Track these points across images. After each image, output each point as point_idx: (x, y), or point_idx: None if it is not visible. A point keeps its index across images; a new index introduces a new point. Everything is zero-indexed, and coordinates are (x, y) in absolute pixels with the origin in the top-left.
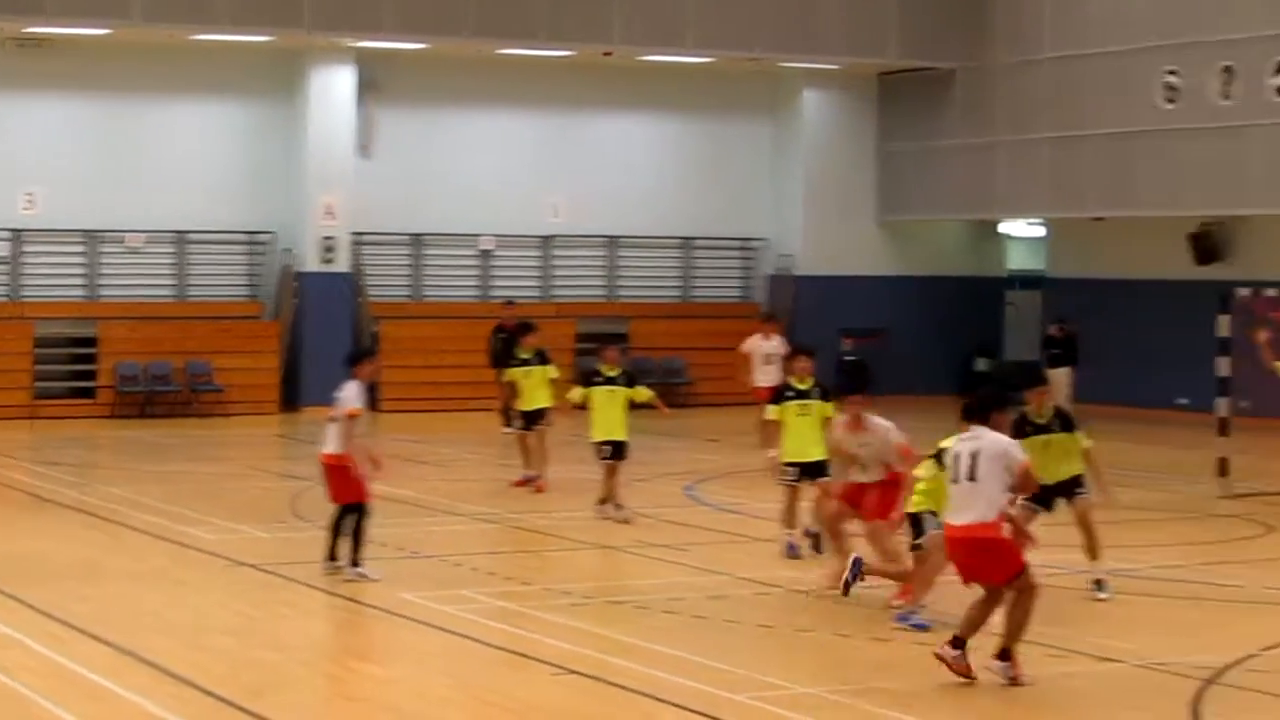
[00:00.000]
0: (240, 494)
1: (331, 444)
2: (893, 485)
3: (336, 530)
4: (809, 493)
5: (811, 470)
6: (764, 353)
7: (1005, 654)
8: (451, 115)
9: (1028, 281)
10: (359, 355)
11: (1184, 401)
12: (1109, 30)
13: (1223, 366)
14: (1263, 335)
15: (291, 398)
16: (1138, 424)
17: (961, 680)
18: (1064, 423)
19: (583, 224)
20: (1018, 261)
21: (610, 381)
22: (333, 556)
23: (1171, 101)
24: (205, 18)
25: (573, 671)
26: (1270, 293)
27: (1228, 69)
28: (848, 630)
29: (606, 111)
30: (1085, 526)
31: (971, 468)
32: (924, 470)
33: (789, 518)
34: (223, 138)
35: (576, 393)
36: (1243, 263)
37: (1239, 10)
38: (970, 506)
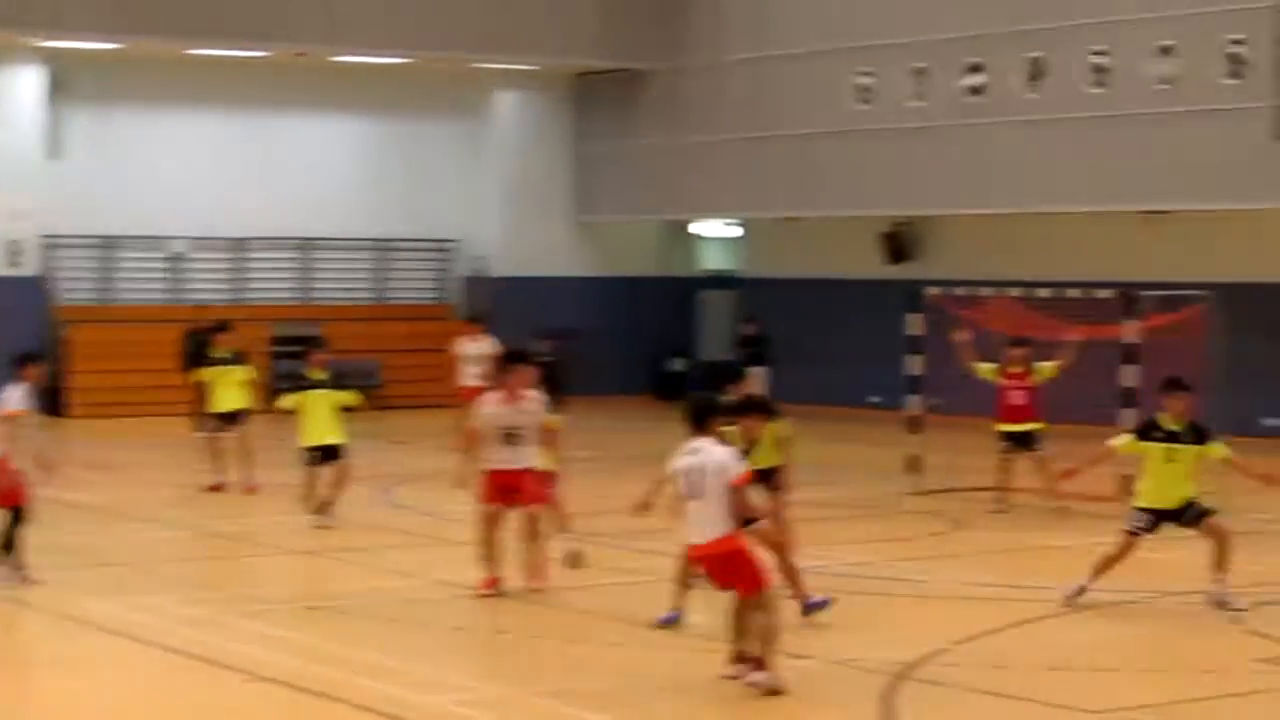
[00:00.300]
0: None
1: None
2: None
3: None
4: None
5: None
6: (472, 354)
7: (760, 662)
8: (143, 116)
9: (722, 281)
10: (25, 358)
11: (876, 399)
12: (801, 32)
13: (913, 365)
14: (962, 335)
15: None
16: (831, 422)
17: (771, 692)
18: (1198, 435)
19: (276, 226)
20: (712, 262)
21: (319, 385)
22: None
23: (863, 103)
24: None
25: (264, 679)
26: (960, 292)
27: (919, 70)
28: (542, 633)
29: (300, 112)
30: (1219, 539)
31: (700, 484)
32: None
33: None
34: None
35: (288, 399)
36: (932, 262)
37: (930, 13)
38: (708, 523)
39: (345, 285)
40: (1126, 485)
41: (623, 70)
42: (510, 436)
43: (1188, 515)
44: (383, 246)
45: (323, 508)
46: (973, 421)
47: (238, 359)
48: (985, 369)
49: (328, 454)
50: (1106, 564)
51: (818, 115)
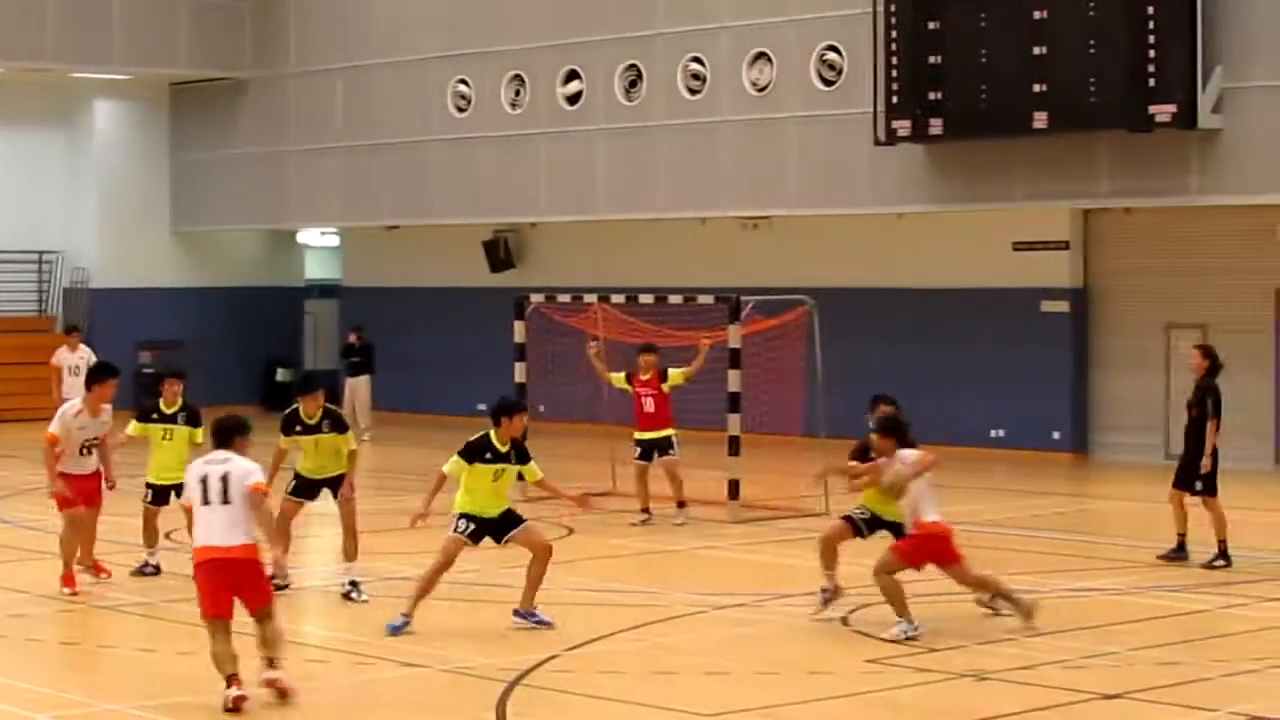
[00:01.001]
0: None
1: None
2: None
3: None
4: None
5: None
6: (70, 364)
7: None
8: None
9: (326, 290)
10: None
11: (483, 408)
12: (399, 40)
13: (519, 372)
14: (593, 347)
15: None
16: (440, 430)
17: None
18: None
19: None
20: (315, 271)
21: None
22: None
23: (462, 110)
24: None
25: None
26: (564, 299)
27: (517, 78)
28: (152, 645)
29: None
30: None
31: (223, 491)
32: None
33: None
34: None
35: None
36: (535, 270)
37: (528, 21)
38: (232, 526)
39: None
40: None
41: (220, 79)
42: (88, 446)
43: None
44: None
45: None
46: (580, 427)
47: None
48: (616, 377)
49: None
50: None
51: (418, 123)
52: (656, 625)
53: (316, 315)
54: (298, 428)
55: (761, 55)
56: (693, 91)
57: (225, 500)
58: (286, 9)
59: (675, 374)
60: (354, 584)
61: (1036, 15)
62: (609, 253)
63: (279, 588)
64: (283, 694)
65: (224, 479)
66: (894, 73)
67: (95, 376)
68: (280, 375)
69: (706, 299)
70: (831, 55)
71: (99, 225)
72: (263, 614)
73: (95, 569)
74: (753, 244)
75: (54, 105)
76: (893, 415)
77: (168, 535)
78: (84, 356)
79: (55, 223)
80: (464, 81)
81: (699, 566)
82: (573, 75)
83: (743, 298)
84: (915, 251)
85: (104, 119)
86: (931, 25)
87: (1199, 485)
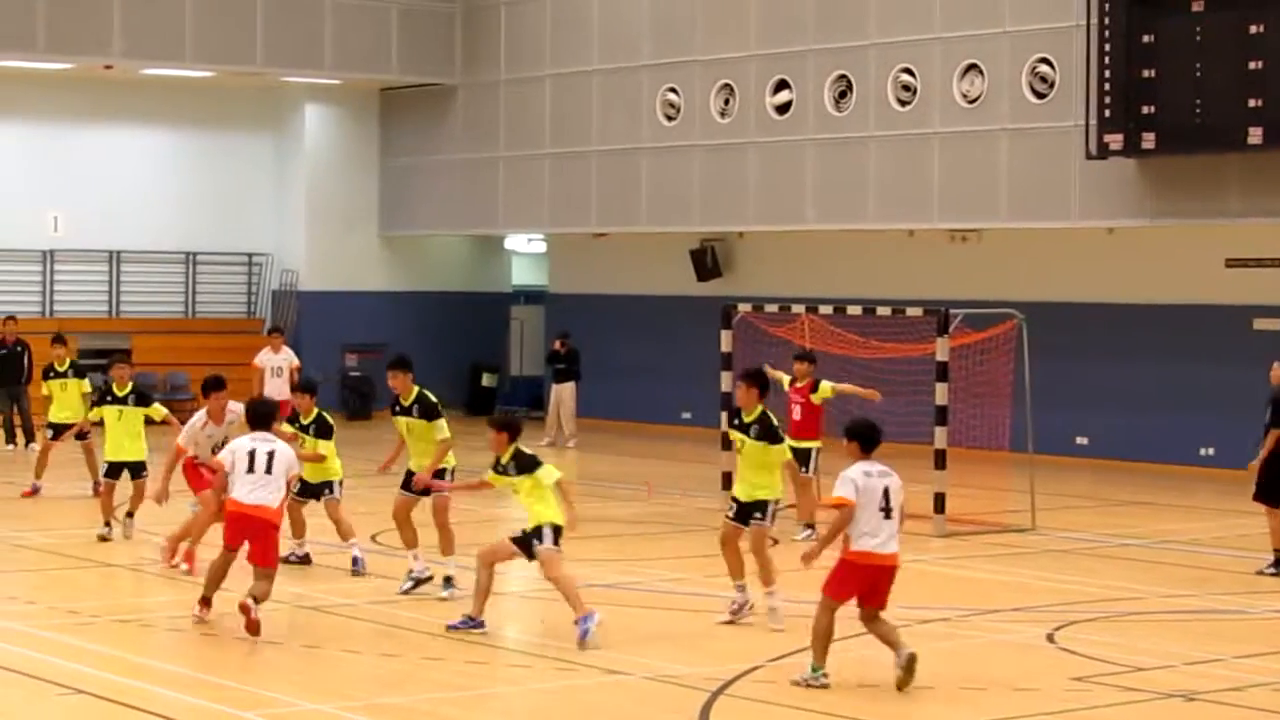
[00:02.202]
0: None
1: None
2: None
3: None
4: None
5: None
6: (273, 366)
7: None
8: None
9: (532, 297)
10: None
11: (688, 416)
12: (609, 47)
13: (726, 382)
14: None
15: None
16: (643, 438)
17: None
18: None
19: (84, 239)
20: (522, 277)
21: (121, 400)
22: None
23: (671, 119)
24: None
25: (81, 691)
26: (772, 309)
27: (726, 87)
28: (358, 646)
29: (108, 125)
30: None
31: (269, 463)
32: None
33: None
34: None
35: (94, 412)
36: (742, 279)
37: (737, 30)
38: (269, 490)
39: (154, 298)
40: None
41: (429, 85)
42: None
43: None
44: (191, 260)
45: (127, 524)
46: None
47: (78, 371)
48: (785, 378)
49: (131, 470)
50: None
51: (628, 131)
52: (860, 638)
53: (522, 321)
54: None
55: (973, 67)
56: (903, 103)
57: (269, 471)
58: (497, 15)
59: (826, 386)
60: (446, 579)
61: (1253, 29)
62: (816, 263)
63: (417, 583)
64: (250, 626)
65: (270, 455)
66: (1106, 86)
67: (210, 388)
68: (485, 380)
69: (915, 311)
70: (1043, 68)
71: (307, 228)
72: (265, 572)
73: (188, 558)
74: (961, 257)
75: (265, 109)
76: (758, 369)
77: (375, 537)
78: (286, 358)
79: (265, 225)
80: (674, 90)
81: (902, 580)
82: (782, 85)
83: (951, 311)
84: (1126, 267)
85: (314, 123)
86: (1145, 38)
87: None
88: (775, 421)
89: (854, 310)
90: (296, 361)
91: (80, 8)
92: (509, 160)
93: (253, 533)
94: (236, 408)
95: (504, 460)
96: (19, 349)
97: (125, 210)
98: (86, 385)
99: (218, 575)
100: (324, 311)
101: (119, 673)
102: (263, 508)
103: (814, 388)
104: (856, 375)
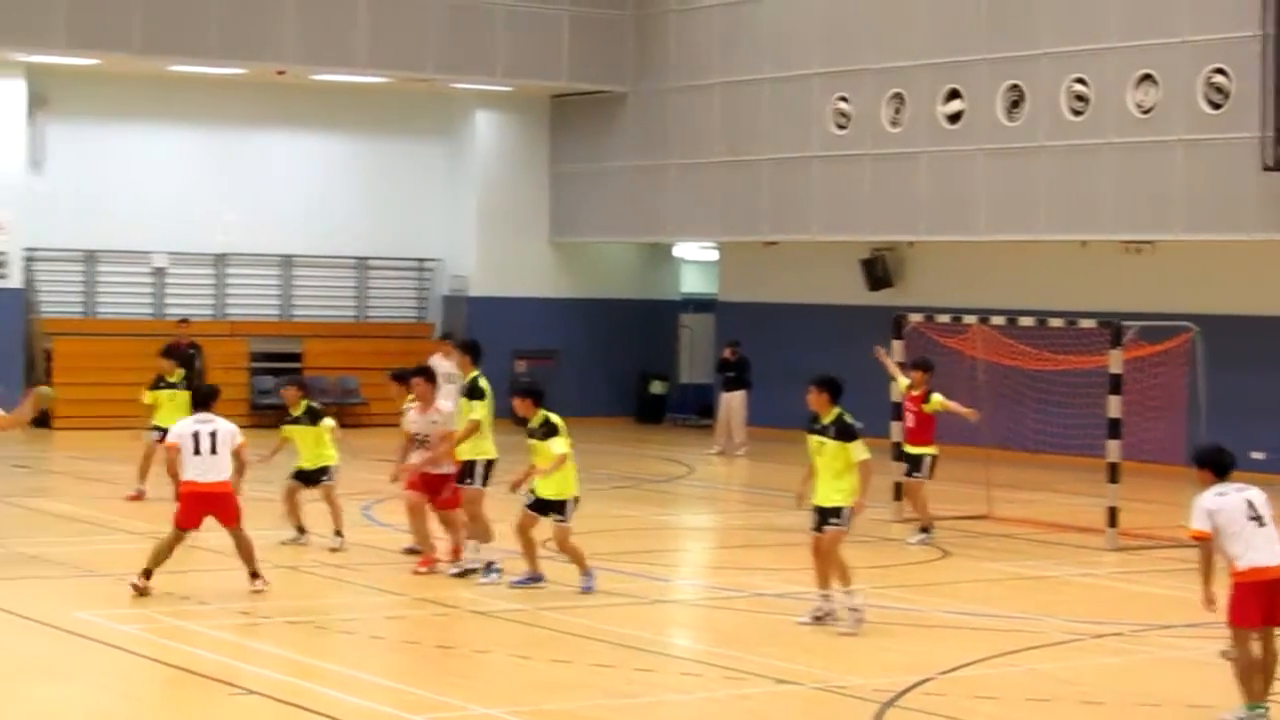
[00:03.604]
0: None
1: None
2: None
3: None
4: None
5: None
6: (444, 371)
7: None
8: (124, 131)
9: (702, 305)
10: None
11: (859, 425)
12: (780, 56)
13: (895, 392)
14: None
15: None
16: None
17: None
18: None
19: (257, 242)
20: (692, 285)
21: (297, 421)
22: None
23: (842, 128)
24: None
25: (252, 692)
26: (943, 319)
27: (897, 96)
28: (527, 652)
29: (280, 130)
30: None
31: (213, 444)
32: None
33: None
34: None
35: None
36: (913, 289)
37: (908, 38)
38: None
39: (326, 302)
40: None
41: (599, 92)
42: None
43: None
44: (363, 264)
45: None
46: (959, 451)
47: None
48: (903, 384)
49: (311, 479)
50: None
51: (798, 139)
52: (1030, 652)
53: (692, 329)
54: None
55: (1147, 77)
56: (1076, 113)
57: (214, 451)
58: (668, 23)
59: (937, 399)
60: (488, 565)
61: None
62: (987, 273)
63: (465, 571)
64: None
65: (212, 435)
66: None
67: (409, 375)
68: (654, 388)
69: (1088, 323)
70: (1219, 78)
71: (478, 234)
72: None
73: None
74: (1135, 268)
75: (437, 115)
76: (828, 376)
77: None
78: (456, 365)
79: (436, 231)
80: (844, 98)
81: (1074, 594)
82: (954, 94)
83: (1124, 323)
84: None
85: (485, 130)
86: None
87: None
88: (850, 420)
89: (1026, 321)
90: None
91: (254, 13)
92: (679, 168)
93: (213, 506)
94: (445, 407)
95: (533, 424)
96: (192, 351)
97: (297, 214)
98: (328, 424)
99: (164, 553)
100: (494, 317)
101: (290, 674)
102: (217, 483)
103: (926, 398)
104: (1027, 387)
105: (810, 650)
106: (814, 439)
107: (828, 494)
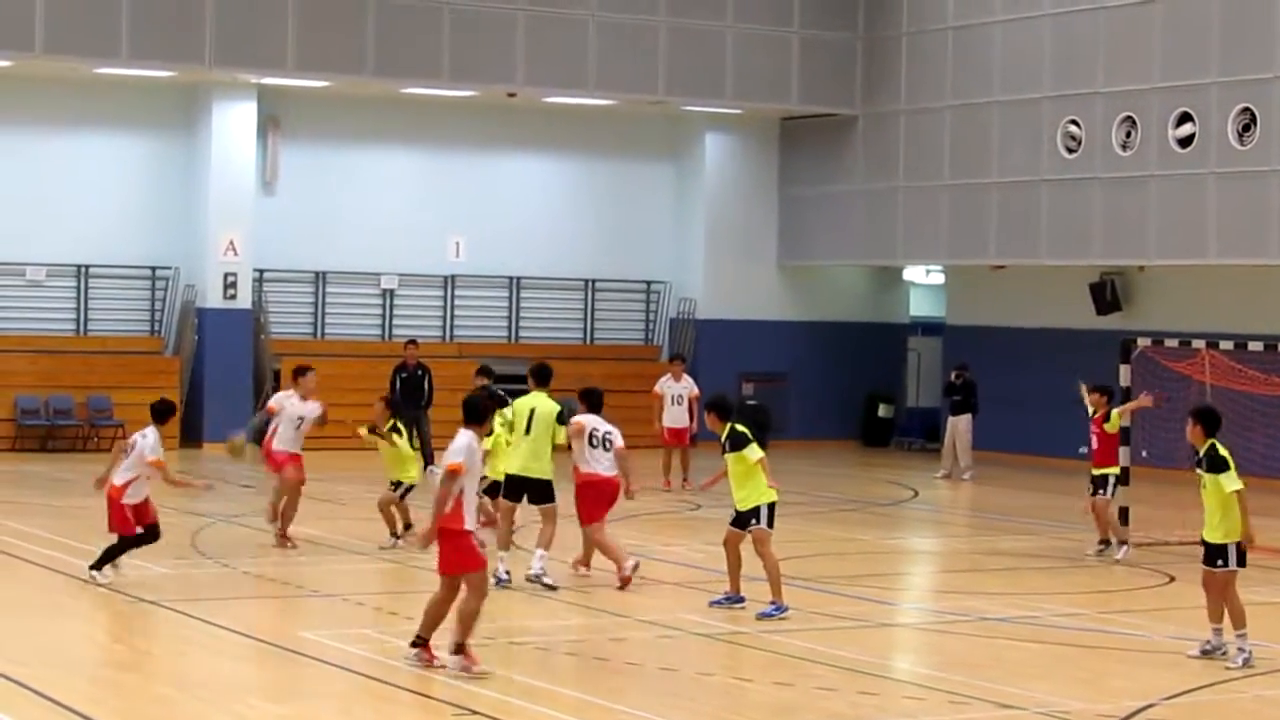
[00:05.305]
0: None
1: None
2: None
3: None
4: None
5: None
6: (674, 394)
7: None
8: (354, 153)
9: (930, 328)
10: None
11: (1085, 451)
12: (1010, 78)
13: (1124, 417)
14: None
15: (192, 433)
16: (1038, 472)
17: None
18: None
19: (485, 264)
20: (920, 308)
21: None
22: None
23: (1072, 151)
24: (107, 51)
25: (474, 712)
26: (1172, 343)
27: (1128, 119)
28: (749, 674)
29: (509, 152)
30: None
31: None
32: None
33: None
34: (125, 172)
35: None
36: (1141, 313)
37: (1139, 61)
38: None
39: (553, 324)
40: None
41: (829, 115)
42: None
43: None
44: (590, 286)
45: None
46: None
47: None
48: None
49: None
50: None
51: (1028, 162)
52: (1258, 678)
53: (920, 352)
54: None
55: None
56: None
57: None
58: (899, 46)
59: (1114, 416)
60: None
61: None
62: (1217, 298)
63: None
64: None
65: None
66: None
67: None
68: (881, 411)
69: None
70: None
71: (706, 256)
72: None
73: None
74: None
75: (666, 137)
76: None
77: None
78: (687, 387)
79: (664, 253)
80: (1075, 122)
81: (1268, 616)
82: (1185, 117)
83: None
84: None
85: (714, 152)
86: None
87: None
88: (1222, 451)
89: (1255, 346)
90: (696, 390)
91: (485, 36)
92: (908, 191)
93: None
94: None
95: (723, 438)
96: (420, 373)
97: (525, 236)
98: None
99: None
100: (721, 340)
101: (512, 695)
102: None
103: (1106, 418)
104: (1257, 412)
105: (1034, 675)
106: (1198, 473)
107: (1210, 530)
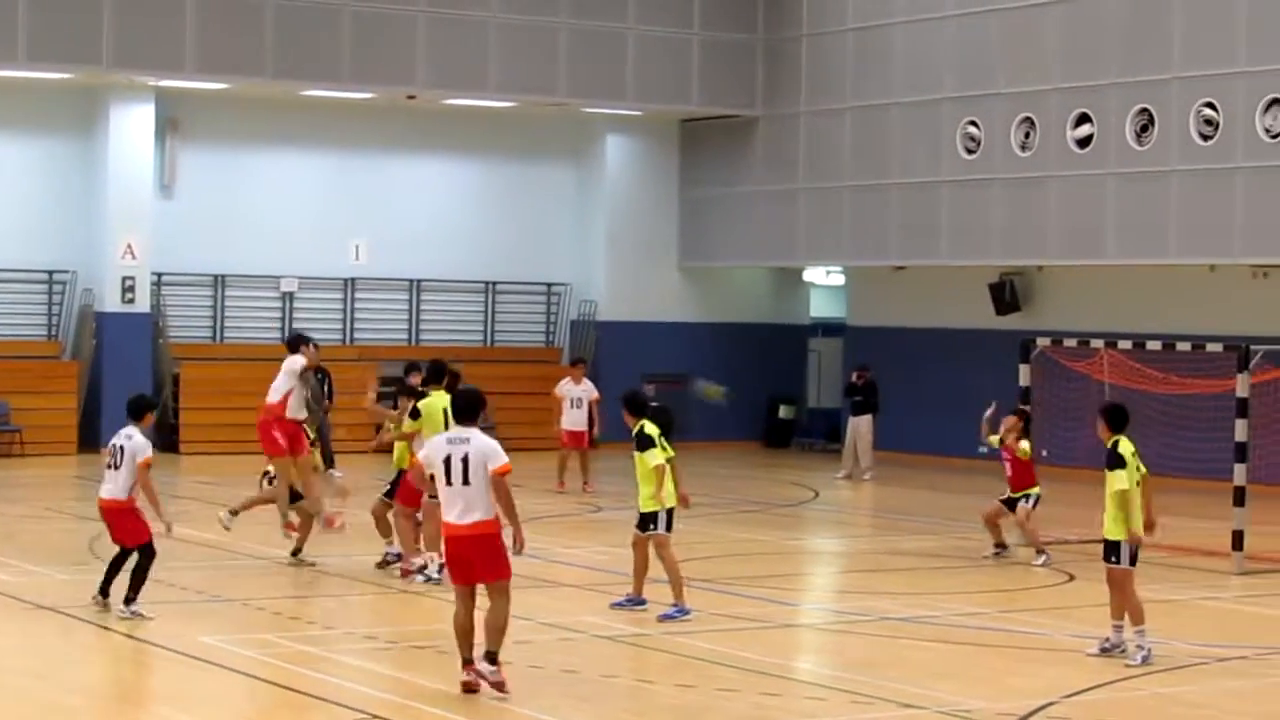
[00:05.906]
0: (38, 536)
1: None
2: None
3: (115, 568)
4: None
5: None
6: (573, 397)
7: (492, 658)
8: (254, 155)
9: (830, 329)
10: (146, 405)
11: (985, 450)
12: (911, 80)
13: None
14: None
15: (90, 439)
16: (939, 472)
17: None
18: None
19: (385, 267)
20: (820, 309)
21: None
22: (104, 592)
23: (971, 152)
24: (4, 54)
25: (375, 716)
26: (1071, 343)
27: (1028, 120)
28: (652, 676)
29: (410, 154)
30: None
31: (464, 472)
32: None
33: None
34: (22, 175)
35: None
36: (1041, 313)
37: (1038, 62)
38: (473, 507)
39: (454, 327)
40: None
41: (729, 116)
42: None
43: None
44: (491, 289)
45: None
46: (1085, 474)
47: None
48: (993, 440)
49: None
50: None
51: (927, 164)
52: (1157, 675)
53: (820, 353)
54: None
55: (1276, 101)
56: (1205, 137)
57: (466, 482)
58: (799, 47)
59: (1024, 448)
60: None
61: None
62: (1116, 298)
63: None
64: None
65: (464, 460)
66: None
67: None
68: (782, 413)
69: (1215, 347)
70: None
71: (607, 258)
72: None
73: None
74: (1263, 293)
75: (567, 139)
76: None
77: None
78: (587, 390)
79: (565, 255)
80: (974, 123)
81: (1200, 616)
82: (1084, 118)
83: (1252, 347)
84: None
85: (615, 153)
86: None
87: None
88: (1119, 450)
89: (1153, 345)
90: (596, 394)
91: (385, 37)
92: (809, 192)
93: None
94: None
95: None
96: (319, 375)
97: (426, 239)
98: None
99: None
100: (623, 341)
101: (413, 698)
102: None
103: (1020, 440)
104: (1155, 411)
105: (935, 675)
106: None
107: (1106, 527)
